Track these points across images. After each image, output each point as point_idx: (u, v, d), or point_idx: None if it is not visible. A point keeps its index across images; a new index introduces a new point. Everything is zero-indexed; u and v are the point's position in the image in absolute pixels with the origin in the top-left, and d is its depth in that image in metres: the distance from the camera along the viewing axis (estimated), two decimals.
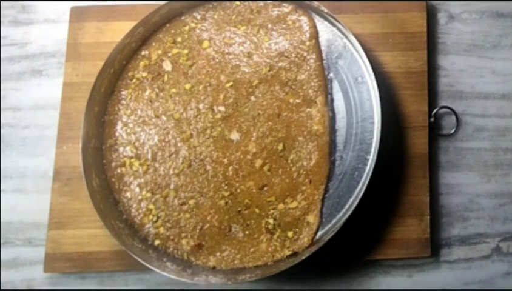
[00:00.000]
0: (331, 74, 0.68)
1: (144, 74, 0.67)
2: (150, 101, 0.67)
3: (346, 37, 0.68)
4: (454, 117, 0.71)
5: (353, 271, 0.68)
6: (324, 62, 0.68)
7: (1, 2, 0.74)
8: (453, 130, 0.71)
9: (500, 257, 0.69)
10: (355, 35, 0.66)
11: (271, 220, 0.64)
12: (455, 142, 0.72)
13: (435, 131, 0.71)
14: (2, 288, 0.66)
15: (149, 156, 0.66)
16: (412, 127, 0.69)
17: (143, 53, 0.68)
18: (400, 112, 0.70)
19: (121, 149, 0.66)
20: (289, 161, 0.66)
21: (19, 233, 0.67)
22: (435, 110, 0.71)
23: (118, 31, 0.67)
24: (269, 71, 0.67)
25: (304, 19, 0.68)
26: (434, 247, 0.68)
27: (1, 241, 0.68)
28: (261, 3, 0.69)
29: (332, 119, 0.67)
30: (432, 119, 0.70)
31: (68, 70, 0.70)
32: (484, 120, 0.72)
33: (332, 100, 0.68)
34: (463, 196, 0.70)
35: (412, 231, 0.67)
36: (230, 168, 0.65)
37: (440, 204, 0.70)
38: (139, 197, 0.65)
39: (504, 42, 0.74)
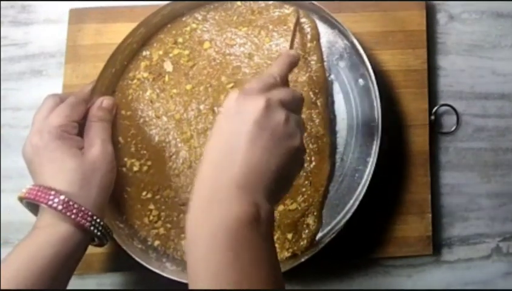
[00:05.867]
0: (332, 76, 0.68)
1: (145, 74, 0.67)
2: (151, 102, 0.67)
3: (347, 38, 0.67)
4: (454, 116, 0.71)
5: (353, 271, 0.68)
6: (325, 63, 0.68)
7: (1, 2, 0.74)
8: (453, 128, 0.71)
9: (500, 257, 0.69)
10: (355, 35, 0.65)
11: None
12: (455, 142, 0.72)
13: (435, 129, 0.71)
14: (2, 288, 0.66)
15: (150, 156, 0.66)
16: (413, 125, 0.69)
17: (144, 53, 0.68)
18: (400, 110, 0.70)
19: (121, 149, 0.66)
20: None
21: (19, 233, 0.67)
22: (435, 108, 0.71)
23: (117, 32, 0.67)
24: None
25: (305, 20, 0.68)
26: (434, 247, 0.68)
27: (1, 241, 0.68)
28: (262, 4, 0.68)
29: (333, 121, 0.67)
30: (432, 117, 0.70)
31: (67, 72, 0.70)
32: (484, 120, 0.72)
33: (333, 102, 0.68)
34: (463, 196, 0.71)
35: (413, 229, 0.67)
36: None
37: (441, 204, 0.70)
38: (139, 197, 0.65)
39: (504, 42, 0.74)
